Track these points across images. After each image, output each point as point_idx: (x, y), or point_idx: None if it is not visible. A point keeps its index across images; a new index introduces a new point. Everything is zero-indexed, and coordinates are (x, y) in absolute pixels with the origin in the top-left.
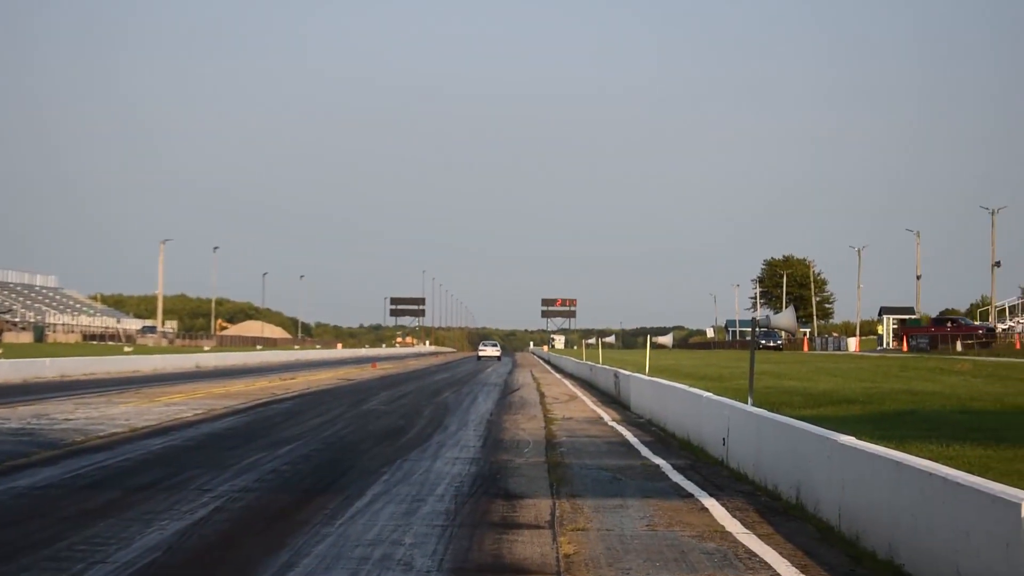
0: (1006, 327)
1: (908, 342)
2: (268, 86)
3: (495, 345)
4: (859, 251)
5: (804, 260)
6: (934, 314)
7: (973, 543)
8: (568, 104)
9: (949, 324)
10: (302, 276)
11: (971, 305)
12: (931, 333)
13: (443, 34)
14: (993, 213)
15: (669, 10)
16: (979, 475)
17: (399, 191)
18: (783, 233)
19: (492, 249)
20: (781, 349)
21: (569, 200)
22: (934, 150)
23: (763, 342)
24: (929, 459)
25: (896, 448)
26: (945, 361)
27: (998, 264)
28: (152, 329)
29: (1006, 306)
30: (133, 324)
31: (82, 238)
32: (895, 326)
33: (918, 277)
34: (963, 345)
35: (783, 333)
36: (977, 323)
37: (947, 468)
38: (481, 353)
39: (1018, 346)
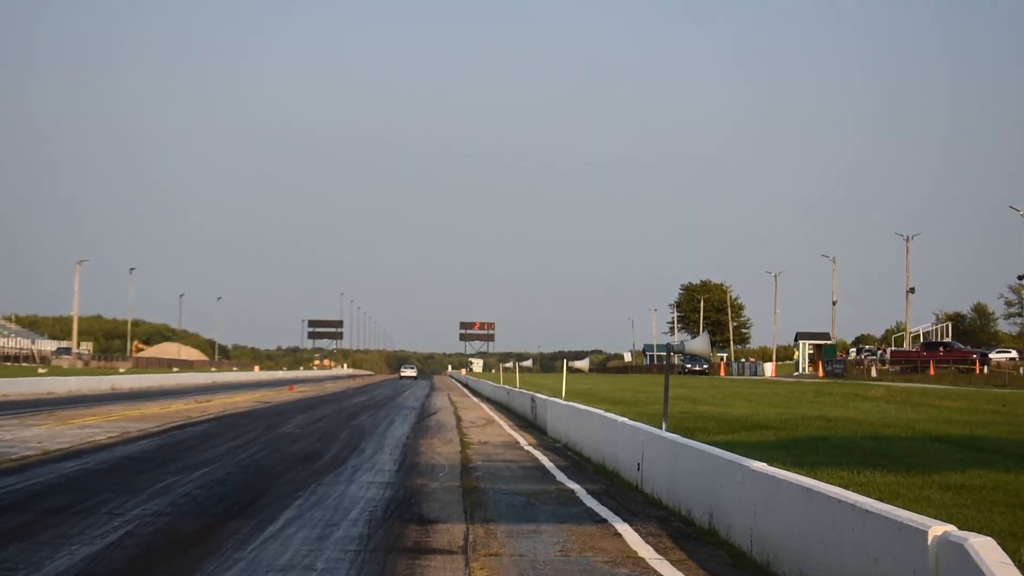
0: None
1: (824, 367)
2: (183, 105)
3: (413, 368)
4: (775, 276)
5: (721, 285)
6: (850, 339)
7: (882, 569)
8: (483, 128)
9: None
10: (219, 298)
11: (886, 331)
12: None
13: (357, 59)
14: (908, 240)
15: (570, 32)
16: (888, 502)
17: (317, 213)
18: (700, 258)
19: (410, 272)
20: (707, 373)
21: (487, 224)
22: (851, 176)
23: (688, 366)
24: (840, 485)
25: (808, 474)
26: (859, 387)
27: (912, 290)
28: (67, 350)
29: (920, 332)
30: (48, 345)
31: None
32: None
33: (834, 303)
34: (882, 369)
35: None
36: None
37: (857, 495)
38: (402, 374)
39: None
